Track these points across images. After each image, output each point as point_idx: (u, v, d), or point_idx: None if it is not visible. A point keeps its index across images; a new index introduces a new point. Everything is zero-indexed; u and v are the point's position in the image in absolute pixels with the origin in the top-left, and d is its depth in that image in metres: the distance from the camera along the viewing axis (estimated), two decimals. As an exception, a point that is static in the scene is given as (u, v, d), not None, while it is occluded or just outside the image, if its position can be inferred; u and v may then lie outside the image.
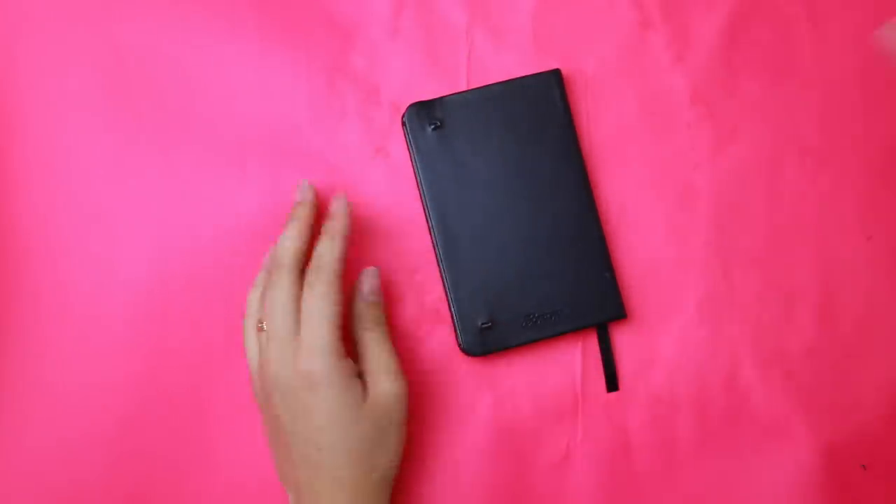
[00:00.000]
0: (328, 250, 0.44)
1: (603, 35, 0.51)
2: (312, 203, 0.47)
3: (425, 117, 0.49)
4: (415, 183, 0.50)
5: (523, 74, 0.50)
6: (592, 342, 0.50)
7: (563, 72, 0.50)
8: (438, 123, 0.49)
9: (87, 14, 0.50)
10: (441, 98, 0.49)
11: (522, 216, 0.49)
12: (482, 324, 0.48)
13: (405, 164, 0.50)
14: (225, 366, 0.49)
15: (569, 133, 0.49)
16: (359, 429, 0.43)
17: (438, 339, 0.49)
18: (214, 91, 0.50)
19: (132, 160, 0.50)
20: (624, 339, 0.50)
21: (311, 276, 0.44)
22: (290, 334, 0.43)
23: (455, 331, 0.49)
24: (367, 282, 0.47)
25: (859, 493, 0.49)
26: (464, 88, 0.50)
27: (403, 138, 0.50)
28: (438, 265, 0.49)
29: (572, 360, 0.50)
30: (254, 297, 0.47)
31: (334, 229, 0.45)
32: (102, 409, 0.49)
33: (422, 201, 0.49)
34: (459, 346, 0.48)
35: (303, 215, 0.46)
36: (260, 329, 0.45)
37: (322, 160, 0.50)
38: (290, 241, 0.45)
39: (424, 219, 0.49)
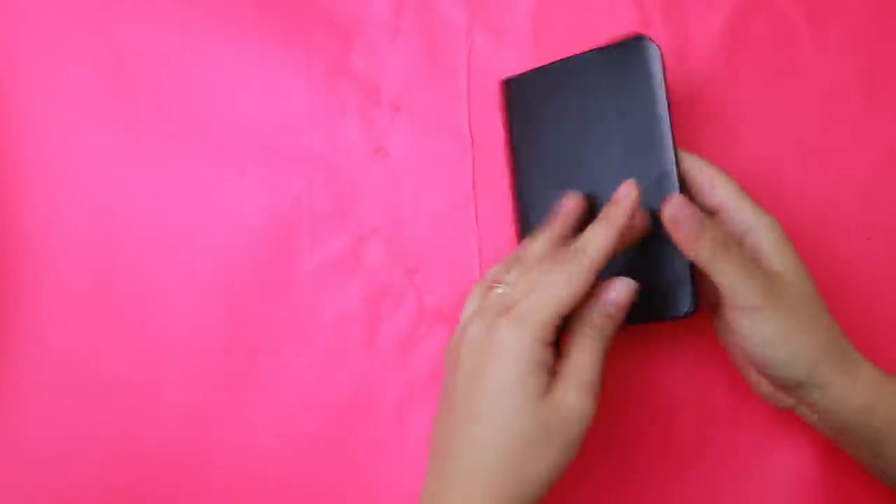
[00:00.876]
0: (598, 237, 0.40)
1: (603, 35, 0.51)
2: (627, 209, 0.42)
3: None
4: (415, 180, 0.50)
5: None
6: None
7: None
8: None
9: (87, 13, 0.50)
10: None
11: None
12: None
13: (405, 164, 0.50)
14: (225, 365, 0.49)
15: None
16: (523, 421, 0.38)
17: (438, 338, 0.49)
18: (214, 90, 0.50)
19: (131, 159, 0.50)
20: (624, 338, 0.50)
21: (567, 253, 0.40)
22: (507, 302, 0.39)
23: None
24: (617, 291, 0.41)
25: (858, 494, 0.49)
26: (464, 88, 0.50)
27: (404, 135, 0.49)
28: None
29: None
30: (498, 269, 0.44)
31: (613, 215, 0.41)
32: (101, 409, 0.49)
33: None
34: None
35: (615, 218, 0.42)
36: (491, 288, 0.42)
37: (321, 159, 0.50)
38: (595, 240, 0.41)
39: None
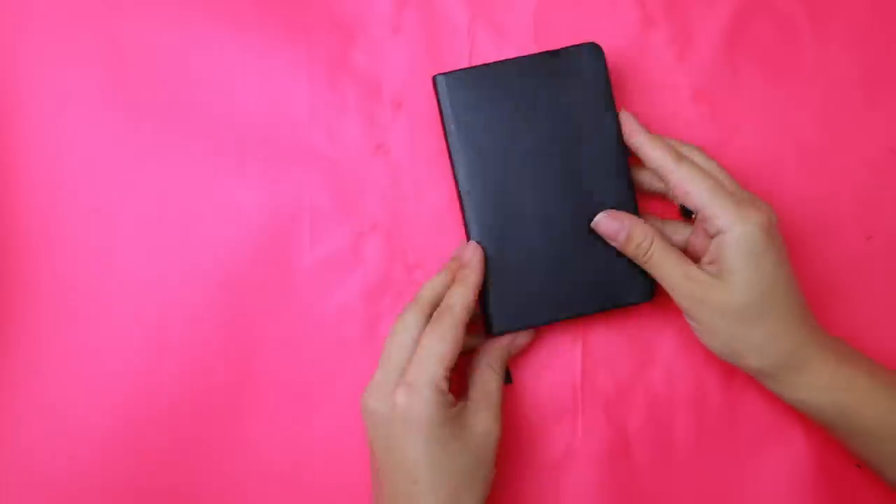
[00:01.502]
0: (459, 297, 0.45)
1: (605, 33, 0.51)
2: (478, 269, 0.46)
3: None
4: (415, 177, 0.49)
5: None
6: (592, 341, 0.50)
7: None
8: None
9: (88, 10, 0.50)
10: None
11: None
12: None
13: (406, 161, 0.50)
14: (223, 362, 0.49)
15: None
16: (453, 464, 0.42)
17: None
18: (215, 87, 0.50)
19: (132, 156, 0.50)
20: (624, 337, 0.50)
21: (436, 316, 0.44)
22: (398, 370, 0.43)
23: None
24: (520, 345, 0.48)
25: (854, 493, 0.49)
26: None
27: (405, 131, 0.49)
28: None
29: (572, 359, 0.50)
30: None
31: (468, 279, 0.45)
32: (100, 404, 0.48)
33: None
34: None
35: (456, 271, 0.46)
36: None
37: (322, 156, 0.50)
38: (430, 288, 0.46)
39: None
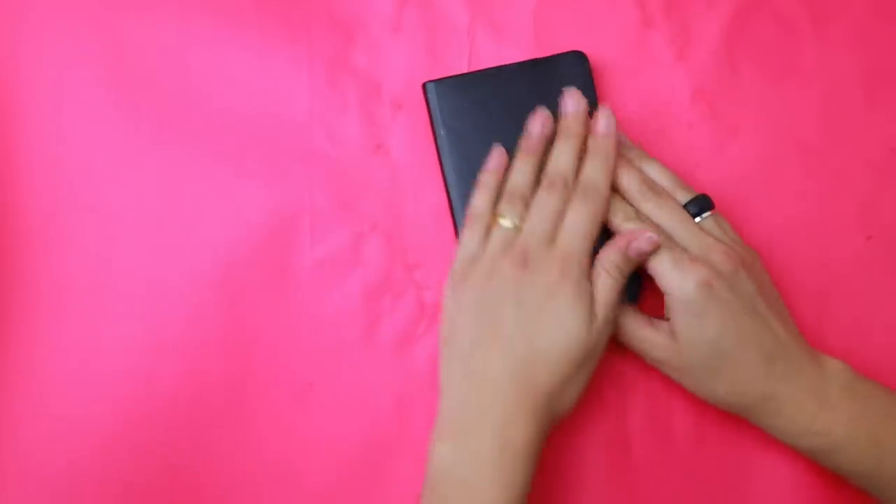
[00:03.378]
0: (599, 171, 0.45)
1: (604, 33, 0.51)
2: (584, 116, 0.46)
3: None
4: (415, 178, 0.50)
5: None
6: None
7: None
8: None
9: (88, 10, 0.50)
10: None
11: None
12: None
13: (406, 161, 0.50)
14: (223, 362, 0.49)
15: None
16: (579, 350, 0.42)
17: (438, 334, 0.49)
18: (215, 86, 0.50)
19: (132, 155, 0.50)
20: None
21: (580, 193, 0.44)
22: (547, 240, 0.43)
23: None
24: (642, 240, 0.44)
25: (854, 493, 0.49)
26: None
27: (405, 131, 0.50)
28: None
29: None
30: (482, 199, 0.46)
31: (604, 149, 0.45)
32: (100, 405, 0.48)
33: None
34: None
35: (576, 132, 0.46)
36: (495, 223, 0.45)
37: (323, 156, 0.50)
38: (564, 157, 0.45)
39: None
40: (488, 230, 0.45)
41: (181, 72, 0.50)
